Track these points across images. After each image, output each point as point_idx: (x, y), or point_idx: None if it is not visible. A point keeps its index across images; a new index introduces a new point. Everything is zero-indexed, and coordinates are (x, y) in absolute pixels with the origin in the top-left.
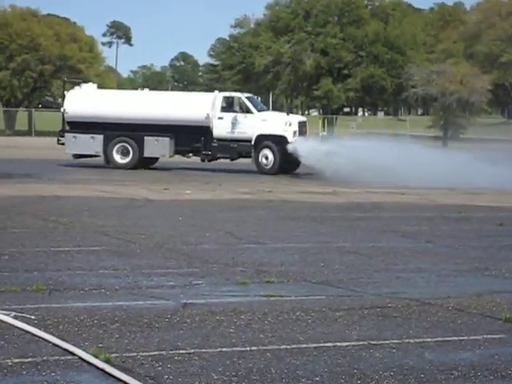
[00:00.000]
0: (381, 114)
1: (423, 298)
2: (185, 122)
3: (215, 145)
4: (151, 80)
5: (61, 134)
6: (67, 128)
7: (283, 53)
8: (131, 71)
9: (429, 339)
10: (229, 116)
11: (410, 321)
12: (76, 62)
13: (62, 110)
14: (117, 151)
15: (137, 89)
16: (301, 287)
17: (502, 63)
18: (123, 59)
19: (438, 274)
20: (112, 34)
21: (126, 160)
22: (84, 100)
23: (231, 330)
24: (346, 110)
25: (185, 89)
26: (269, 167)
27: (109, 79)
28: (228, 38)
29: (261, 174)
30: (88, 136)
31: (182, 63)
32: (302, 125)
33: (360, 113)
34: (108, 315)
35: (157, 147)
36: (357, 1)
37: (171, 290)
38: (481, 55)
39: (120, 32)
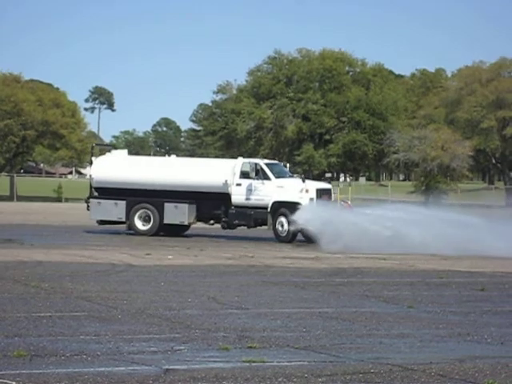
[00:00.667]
0: (362, 180)
1: (406, 364)
2: (204, 189)
3: (233, 212)
4: (133, 145)
5: (86, 200)
6: (95, 194)
7: (265, 118)
8: (113, 136)
9: None
10: (246, 182)
11: None
12: (59, 127)
13: (88, 175)
14: (139, 217)
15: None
16: (283, 353)
17: (482, 129)
18: (106, 124)
19: (421, 340)
20: (95, 99)
21: (148, 227)
22: (110, 166)
23: None
24: (328, 175)
25: (167, 154)
26: (284, 235)
27: (91, 144)
28: (210, 104)
29: (279, 242)
30: (111, 202)
31: (165, 129)
32: (322, 192)
33: (342, 178)
34: (90, 381)
35: (176, 214)
36: (338, 67)
37: (153, 356)
38: (462, 121)
39: (102, 97)
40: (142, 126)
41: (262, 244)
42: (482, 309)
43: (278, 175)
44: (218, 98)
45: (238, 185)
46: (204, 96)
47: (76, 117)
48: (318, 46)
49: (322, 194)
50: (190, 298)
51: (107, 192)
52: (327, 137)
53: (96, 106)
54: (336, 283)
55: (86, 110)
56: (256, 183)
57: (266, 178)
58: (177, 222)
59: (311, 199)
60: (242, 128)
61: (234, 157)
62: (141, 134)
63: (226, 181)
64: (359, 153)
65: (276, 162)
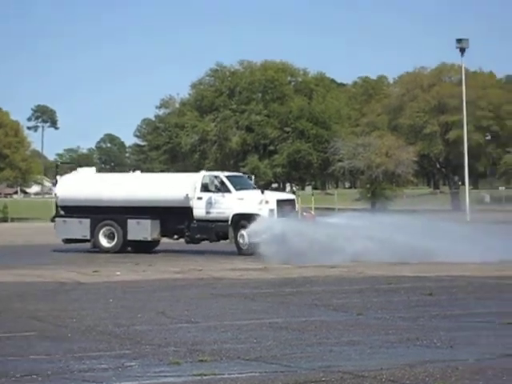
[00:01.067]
0: (309, 189)
1: (356, 371)
2: (166, 203)
3: (194, 226)
4: (78, 162)
5: (52, 219)
6: (61, 213)
7: (209, 131)
8: (57, 154)
9: None
10: (207, 196)
11: None
12: (2, 147)
13: (53, 194)
14: (103, 235)
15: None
16: (234, 365)
17: (425, 134)
18: (49, 142)
19: (371, 346)
20: (37, 117)
21: (112, 244)
22: (74, 184)
23: None
24: (274, 185)
25: (112, 170)
26: (246, 248)
27: (35, 163)
28: (154, 119)
29: (241, 255)
30: (76, 220)
31: (109, 145)
32: (284, 203)
33: (288, 188)
34: None
35: (139, 230)
36: (280, 77)
37: (104, 373)
38: (405, 127)
39: (45, 116)
40: (86, 142)
41: (214, 257)
42: (431, 313)
43: (240, 187)
44: (161, 112)
45: (199, 198)
46: (147, 111)
47: (19, 136)
48: (259, 57)
49: (283, 204)
50: (139, 313)
51: (72, 210)
52: (271, 147)
53: (39, 124)
54: (285, 293)
55: (29, 128)
56: (216, 196)
57: (227, 190)
58: (140, 238)
59: (271, 210)
60: (186, 141)
61: (179, 170)
62: (85, 151)
63: (187, 195)
64: (304, 162)
65: (239, 174)
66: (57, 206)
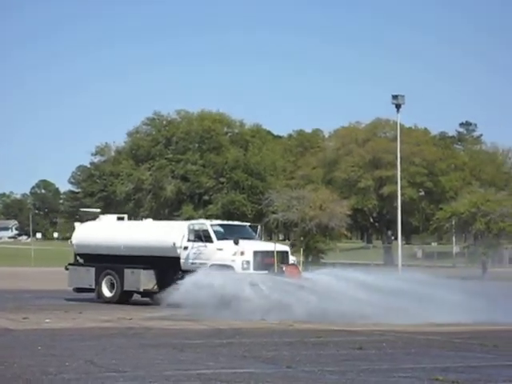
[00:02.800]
0: None
1: None
2: (156, 252)
3: (178, 277)
4: (11, 208)
5: (66, 266)
6: (80, 261)
7: (144, 180)
8: None
9: None
10: (192, 245)
11: None
12: None
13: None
14: (106, 284)
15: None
16: None
17: (360, 189)
18: None
19: None
20: None
21: (112, 293)
22: (87, 232)
23: None
24: None
25: (46, 216)
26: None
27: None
28: (89, 166)
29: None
30: (84, 268)
31: (43, 191)
32: (263, 254)
33: None
34: None
35: (133, 280)
36: (216, 128)
37: None
38: (339, 181)
39: None
40: (20, 188)
41: (145, 307)
42: (360, 367)
43: (224, 237)
44: (96, 159)
45: (185, 248)
46: (83, 158)
47: None
48: (196, 107)
49: (262, 256)
50: (67, 361)
51: (83, 258)
52: (206, 197)
53: None
54: (215, 344)
55: None
56: (199, 246)
57: (209, 240)
58: (134, 289)
59: (246, 262)
60: (120, 190)
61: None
62: (18, 197)
63: (173, 244)
64: (238, 213)
65: (237, 223)
66: (75, 254)
